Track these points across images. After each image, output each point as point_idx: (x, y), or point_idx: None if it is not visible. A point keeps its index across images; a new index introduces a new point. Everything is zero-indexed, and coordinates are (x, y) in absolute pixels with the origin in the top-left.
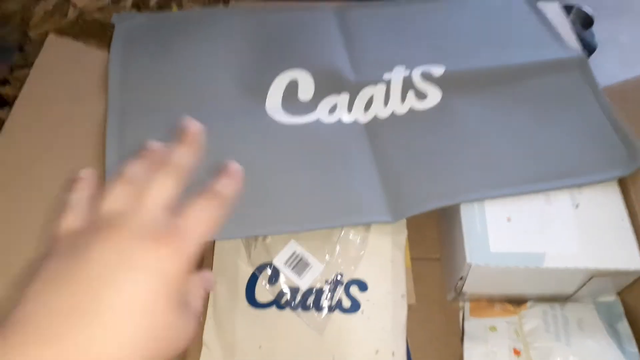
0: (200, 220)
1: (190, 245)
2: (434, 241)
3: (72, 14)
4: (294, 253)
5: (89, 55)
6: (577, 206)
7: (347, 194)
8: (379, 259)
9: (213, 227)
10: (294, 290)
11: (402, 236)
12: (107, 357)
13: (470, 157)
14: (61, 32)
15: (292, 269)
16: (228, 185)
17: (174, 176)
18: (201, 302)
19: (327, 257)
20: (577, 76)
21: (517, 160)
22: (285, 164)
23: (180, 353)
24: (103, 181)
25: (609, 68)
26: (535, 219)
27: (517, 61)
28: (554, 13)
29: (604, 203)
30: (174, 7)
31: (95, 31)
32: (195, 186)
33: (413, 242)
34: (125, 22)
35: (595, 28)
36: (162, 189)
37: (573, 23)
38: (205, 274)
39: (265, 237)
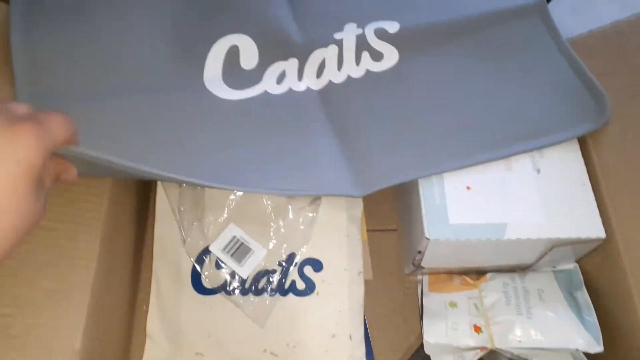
0: (59, 119)
1: (49, 136)
2: (390, 211)
3: None
4: (233, 238)
5: None
6: (538, 171)
7: (308, 169)
8: (333, 235)
9: (70, 133)
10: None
11: (358, 210)
12: None
13: (432, 124)
14: None
15: (232, 255)
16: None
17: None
18: (52, 181)
19: (272, 239)
20: (537, 23)
21: (480, 124)
22: (231, 146)
23: (122, 346)
24: None
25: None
26: (496, 187)
27: (475, 11)
28: None
29: (566, 167)
30: None
31: None
32: None
33: (368, 213)
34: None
35: None
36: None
37: None
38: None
39: (201, 220)
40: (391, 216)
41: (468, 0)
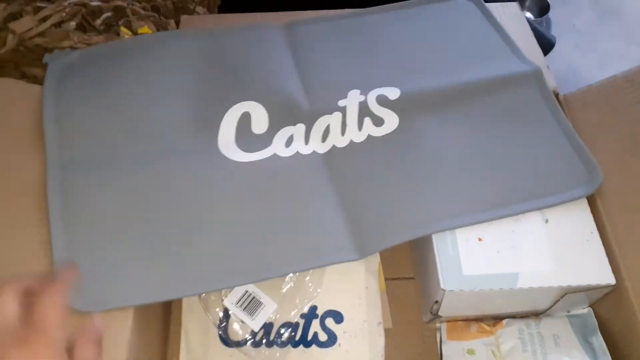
0: (50, 310)
1: (50, 336)
2: (406, 260)
3: (10, 41)
4: (245, 292)
5: (27, 93)
6: (546, 221)
7: (309, 235)
8: (352, 287)
9: (63, 311)
10: (269, 326)
11: (375, 262)
12: None
13: (434, 183)
14: (2, 62)
15: (244, 309)
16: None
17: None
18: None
19: (284, 291)
20: (533, 91)
21: (482, 183)
22: (242, 208)
23: None
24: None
25: (565, 52)
26: (506, 238)
27: (473, 77)
28: (513, 14)
29: (573, 217)
30: (123, 29)
31: (39, 57)
32: None
33: (385, 261)
34: (59, 61)
35: (550, 14)
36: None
37: (529, 10)
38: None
39: None
40: (408, 264)
41: (467, 67)
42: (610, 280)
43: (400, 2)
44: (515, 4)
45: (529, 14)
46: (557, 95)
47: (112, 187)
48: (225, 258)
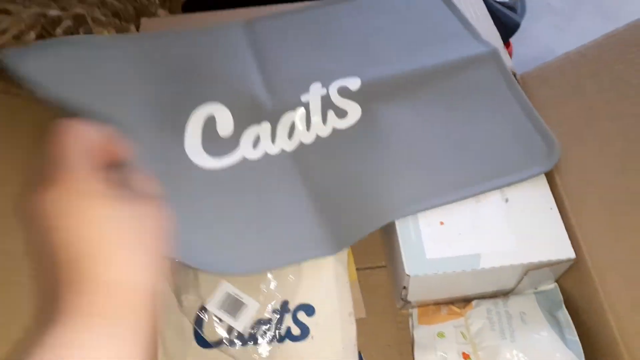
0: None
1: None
2: (378, 248)
3: None
4: (227, 295)
5: None
6: (506, 201)
7: (283, 236)
8: (322, 279)
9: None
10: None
11: (344, 252)
12: None
13: (400, 170)
14: None
15: (227, 311)
16: None
17: None
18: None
19: (263, 291)
20: (493, 72)
21: (445, 165)
22: (214, 213)
23: None
24: None
25: (541, 33)
26: (468, 220)
27: (432, 61)
28: None
29: (532, 194)
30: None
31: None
32: None
33: (358, 252)
34: (15, 58)
35: None
36: None
37: None
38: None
39: (196, 279)
40: (380, 253)
41: (425, 51)
42: (570, 254)
43: None
44: None
45: None
46: (515, 75)
47: None
48: (200, 256)
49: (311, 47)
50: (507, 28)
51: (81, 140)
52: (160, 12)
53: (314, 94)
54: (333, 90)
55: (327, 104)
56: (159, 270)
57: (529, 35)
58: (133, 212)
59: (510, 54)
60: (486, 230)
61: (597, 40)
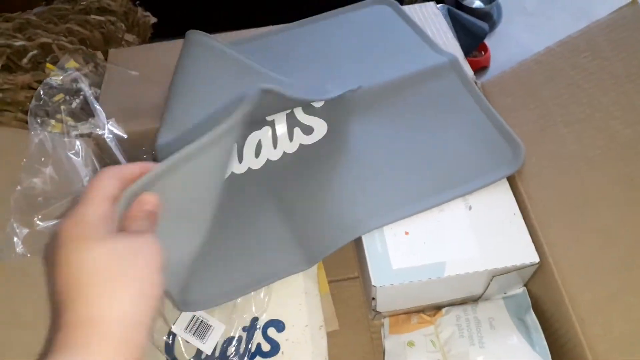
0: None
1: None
2: (351, 260)
3: None
4: (193, 317)
5: None
6: (470, 208)
7: (258, 255)
8: (292, 294)
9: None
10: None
11: (313, 267)
12: None
13: (365, 184)
14: None
15: (194, 334)
16: None
17: None
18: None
19: (231, 309)
20: (454, 80)
21: (410, 177)
22: (186, 238)
23: None
24: None
25: (517, 35)
26: (432, 229)
27: (394, 75)
28: (430, 12)
29: (495, 201)
30: (48, 66)
31: None
32: None
33: (330, 264)
34: None
35: None
36: None
37: None
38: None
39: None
40: (353, 264)
41: (387, 66)
42: (534, 258)
43: (319, 15)
44: (432, 4)
45: (478, 2)
46: (476, 83)
47: None
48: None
49: (277, 68)
50: (475, 35)
51: (104, 180)
52: (128, 36)
53: (279, 113)
54: (298, 108)
55: (292, 121)
56: (152, 304)
57: (503, 38)
58: (127, 248)
59: (488, 59)
60: (450, 238)
61: (551, 47)
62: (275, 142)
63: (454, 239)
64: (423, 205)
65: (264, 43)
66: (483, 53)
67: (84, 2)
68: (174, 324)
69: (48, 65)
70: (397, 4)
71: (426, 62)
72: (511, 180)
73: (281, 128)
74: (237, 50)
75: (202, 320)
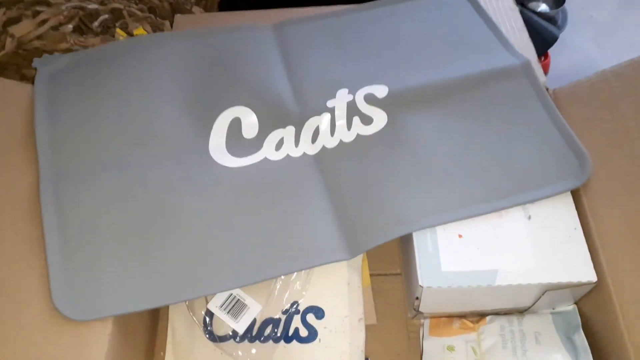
0: None
1: None
2: (394, 256)
3: (9, 44)
4: (230, 295)
5: (24, 93)
6: (529, 218)
7: (301, 237)
8: (334, 283)
9: None
10: (252, 322)
11: (358, 257)
12: None
13: (422, 180)
14: (2, 64)
15: (228, 312)
16: None
17: None
18: None
19: (272, 291)
20: (523, 83)
21: (469, 178)
22: (233, 212)
23: None
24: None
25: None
26: (487, 234)
27: (462, 72)
28: (507, 8)
29: (556, 213)
30: (118, 31)
31: None
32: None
33: (373, 257)
34: (49, 66)
35: (567, 5)
36: None
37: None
38: None
39: None
40: (396, 260)
41: (456, 61)
42: (592, 277)
43: None
44: None
45: (544, 6)
46: (547, 90)
47: (103, 194)
48: (215, 263)
49: (340, 53)
50: (544, 40)
51: None
52: (195, 9)
53: (340, 99)
54: (360, 96)
55: (352, 110)
56: None
57: (567, 47)
58: None
59: (547, 66)
60: (505, 246)
61: (635, 59)
62: (334, 129)
63: (509, 247)
64: (480, 210)
65: (328, 24)
66: (543, 59)
67: None
68: (208, 302)
69: (118, 30)
70: None
71: (497, 62)
72: (575, 194)
73: (340, 116)
74: (297, 30)
75: (238, 299)
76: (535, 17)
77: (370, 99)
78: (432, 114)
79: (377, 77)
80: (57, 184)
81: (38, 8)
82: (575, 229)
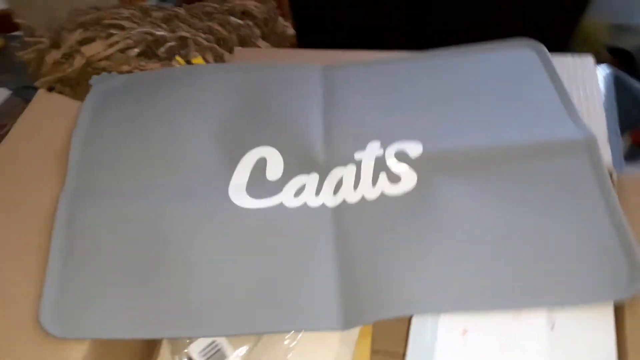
0: None
1: None
2: (400, 332)
3: (78, 62)
4: (212, 342)
5: (74, 109)
6: (552, 326)
7: (296, 295)
8: (320, 353)
9: None
10: None
11: (354, 332)
12: None
13: (441, 258)
14: (65, 81)
15: (208, 359)
16: None
17: None
18: None
19: (246, 347)
20: (582, 163)
21: (493, 265)
22: (235, 256)
23: None
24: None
25: None
26: (498, 336)
27: (511, 139)
28: (585, 70)
29: (588, 327)
30: (177, 59)
31: None
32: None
33: (379, 331)
34: (104, 84)
35: None
36: None
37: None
38: None
39: None
40: (400, 338)
41: (505, 125)
42: None
43: (450, 49)
44: (590, 58)
45: None
46: (611, 175)
47: (116, 218)
48: (204, 306)
49: (383, 102)
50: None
51: None
52: (262, 43)
53: (370, 152)
54: (390, 152)
55: (380, 165)
56: None
57: None
58: None
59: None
60: (517, 356)
61: None
62: (357, 183)
63: (521, 357)
64: (495, 305)
65: (379, 70)
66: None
67: (230, 4)
68: (189, 345)
69: (177, 58)
70: (545, 51)
71: (556, 133)
72: (618, 311)
73: (367, 170)
74: (345, 74)
75: (219, 349)
76: (637, 83)
77: (401, 156)
78: (467, 183)
79: (413, 133)
80: (75, 199)
81: (112, 31)
82: (608, 354)
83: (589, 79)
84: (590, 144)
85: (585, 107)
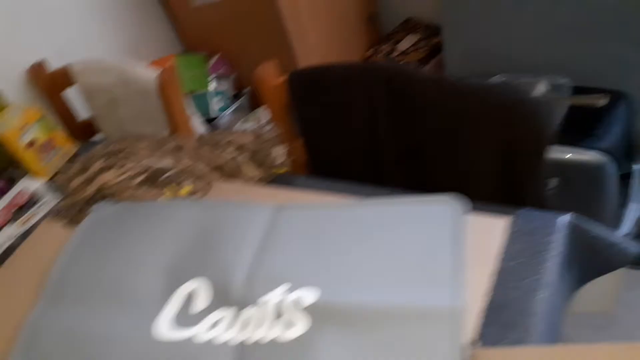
0: None
1: None
2: None
3: (91, 189)
4: None
5: (69, 236)
6: None
7: None
8: None
9: None
10: None
11: None
12: None
13: None
14: (76, 204)
15: None
16: None
17: None
18: None
19: None
20: (440, 333)
21: None
22: None
23: None
24: None
25: None
26: None
27: (387, 302)
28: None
29: None
30: (166, 189)
31: None
32: None
33: None
34: (100, 211)
35: None
36: None
37: None
38: None
39: None
40: None
41: (390, 286)
42: None
43: (386, 199)
44: (503, 221)
45: None
46: (470, 346)
47: (62, 325)
48: None
49: (309, 247)
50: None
51: None
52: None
53: (275, 295)
54: (290, 298)
55: (279, 310)
56: None
57: None
58: None
59: None
60: None
61: None
62: (260, 324)
63: None
64: None
65: (320, 215)
66: None
67: (233, 135)
68: None
69: (167, 188)
70: (460, 210)
71: (426, 298)
72: None
73: (268, 313)
74: (294, 215)
75: None
76: (604, 233)
77: (297, 303)
78: (348, 337)
79: (318, 279)
80: (44, 312)
81: (125, 161)
82: None
83: (495, 239)
84: (453, 314)
85: (480, 269)
